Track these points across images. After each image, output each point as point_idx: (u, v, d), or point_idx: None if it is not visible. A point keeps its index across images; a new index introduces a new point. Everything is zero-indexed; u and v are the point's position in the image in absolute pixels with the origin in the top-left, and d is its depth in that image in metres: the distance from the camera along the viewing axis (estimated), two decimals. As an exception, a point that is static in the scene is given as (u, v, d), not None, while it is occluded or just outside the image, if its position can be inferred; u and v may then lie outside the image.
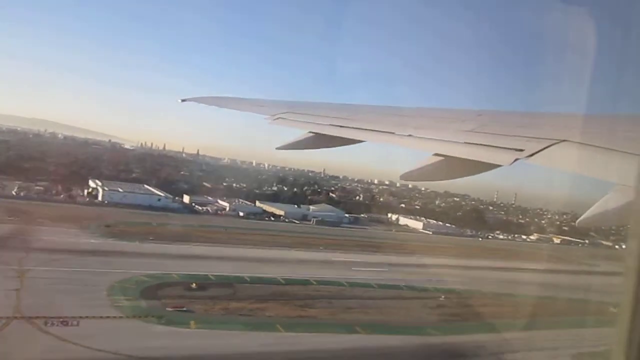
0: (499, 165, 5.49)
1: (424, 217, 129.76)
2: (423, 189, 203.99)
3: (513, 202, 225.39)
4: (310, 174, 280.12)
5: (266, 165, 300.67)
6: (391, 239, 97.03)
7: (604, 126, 6.22)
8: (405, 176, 6.23)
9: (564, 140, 5.19)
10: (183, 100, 12.44)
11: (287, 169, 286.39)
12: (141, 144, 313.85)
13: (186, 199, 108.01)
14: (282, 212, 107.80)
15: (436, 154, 6.09)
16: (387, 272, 65.71)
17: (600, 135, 5.40)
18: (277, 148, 8.67)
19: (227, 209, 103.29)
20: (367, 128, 7.90)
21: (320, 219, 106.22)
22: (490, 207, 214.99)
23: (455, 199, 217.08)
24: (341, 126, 8.02)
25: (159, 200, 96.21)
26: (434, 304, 52.94)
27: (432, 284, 61.18)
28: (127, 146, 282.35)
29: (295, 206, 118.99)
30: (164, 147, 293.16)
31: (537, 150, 5.18)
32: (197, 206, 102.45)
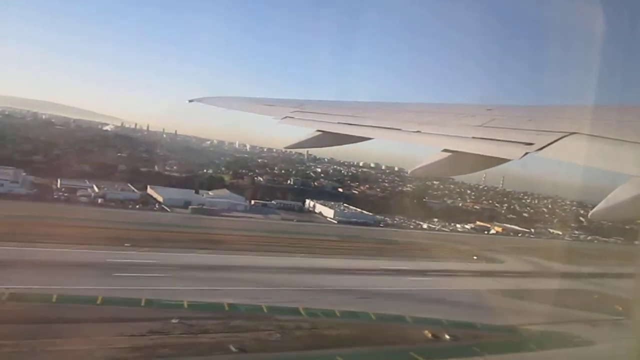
0: (509, 160, 5.38)
1: (346, 204, 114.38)
2: (409, 171, 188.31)
3: (499, 186, 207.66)
4: (293, 156, 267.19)
5: (248, 147, 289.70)
6: (263, 230, 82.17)
7: (615, 118, 6.06)
8: (414, 172, 6.20)
9: (574, 133, 5.10)
10: (190, 101, 12.39)
11: (273, 150, 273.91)
12: (122, 124, 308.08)
13: (58, 183, 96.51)
14: (161, 199, 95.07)
15: (445, 150, 5.93)
16: (170, 278, 51.36)
17: (611, 127, 5.27)
18: (286, 147, 8.54)
19: (93, 195, 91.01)
20: (375, 125, 7.75)
21: (201, 206, 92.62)
22: (469, 191, 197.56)
23: (434, 182, 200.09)
24: (349, 124, 7.93)
25: (2, 185, 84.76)
26: (144, 330, 38.20)
27: (215, 297, 46.58)
28: (107, 128, 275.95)
29: (193, 192, 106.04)
30: (148, 128, 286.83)
31: (547, 143, 5.07)
32: (59, 192, 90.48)
